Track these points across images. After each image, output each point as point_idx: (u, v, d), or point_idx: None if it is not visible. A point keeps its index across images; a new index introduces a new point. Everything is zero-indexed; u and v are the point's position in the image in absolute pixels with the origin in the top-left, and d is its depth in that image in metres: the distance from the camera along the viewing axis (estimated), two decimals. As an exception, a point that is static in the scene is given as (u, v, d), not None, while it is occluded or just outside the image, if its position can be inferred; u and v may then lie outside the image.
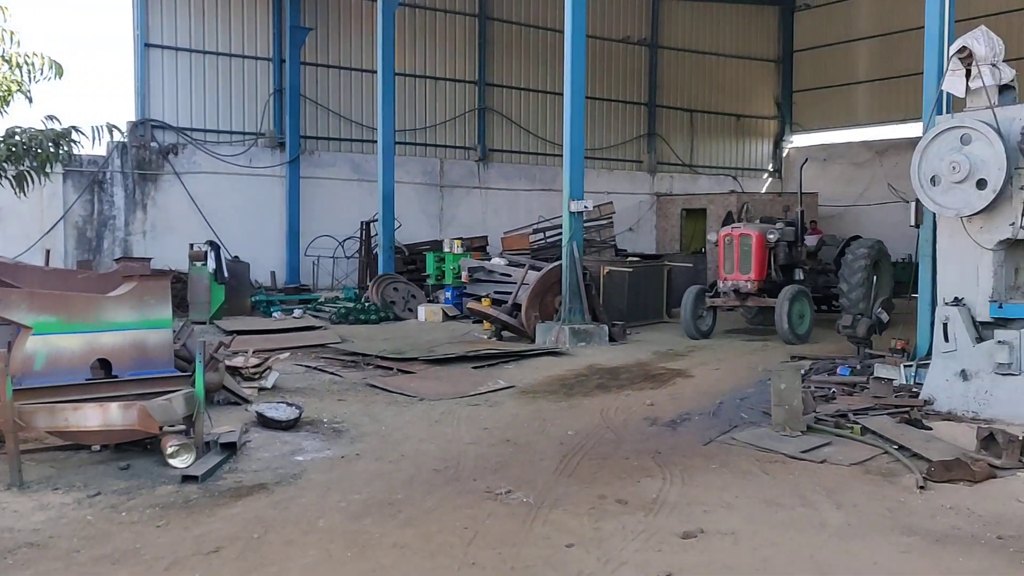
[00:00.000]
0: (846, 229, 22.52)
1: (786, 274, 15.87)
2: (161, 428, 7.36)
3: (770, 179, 31.89)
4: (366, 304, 18.40)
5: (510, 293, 16.01)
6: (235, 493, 6.67)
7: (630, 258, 20.16)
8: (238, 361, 10.79)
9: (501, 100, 26.50)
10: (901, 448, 7.76)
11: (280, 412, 8.88)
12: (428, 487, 6.95)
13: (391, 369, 12.24)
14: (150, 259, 12.27)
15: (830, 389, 10.03)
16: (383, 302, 18.55)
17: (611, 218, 23.99)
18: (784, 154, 31.91)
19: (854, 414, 8.81)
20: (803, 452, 7.79)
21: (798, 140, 31.69)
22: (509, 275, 17.02)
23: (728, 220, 18.54)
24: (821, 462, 7.56)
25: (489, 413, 9.76)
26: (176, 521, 6.01)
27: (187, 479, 6.85)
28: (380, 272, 19.85)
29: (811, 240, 16.48)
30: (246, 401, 9.61)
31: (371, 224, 21.79)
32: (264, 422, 8.69)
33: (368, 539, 5.74)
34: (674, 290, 18.19)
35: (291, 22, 22.26)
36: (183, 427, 7.67)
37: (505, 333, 15.34)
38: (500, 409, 9.97)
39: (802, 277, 16.02)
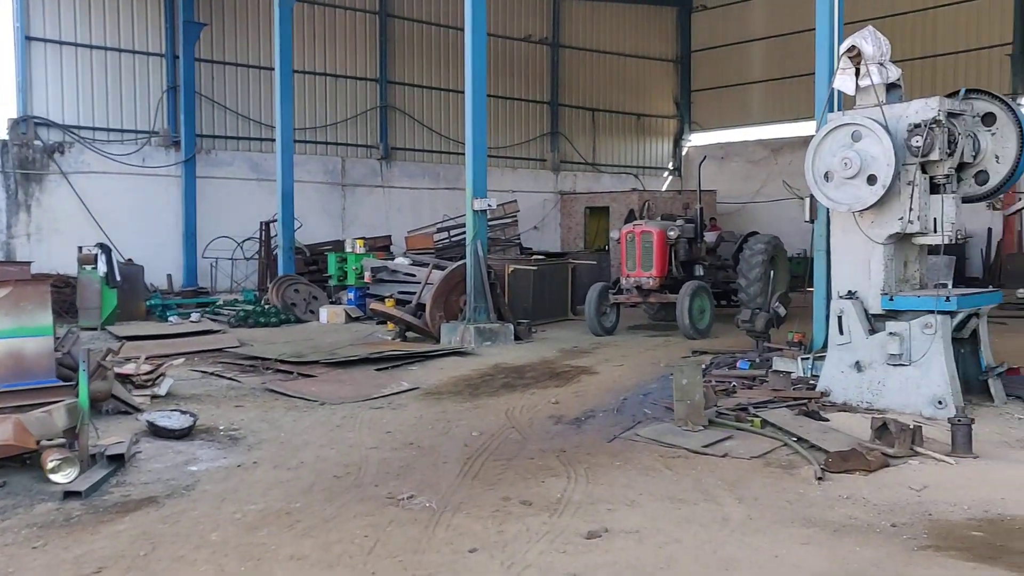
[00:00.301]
0: (744, 225, 23.04)
1: (686, 270, 16.10)
2: (39, 442, 6.94)
3: (671, 177, 32.44)
4: (266, 307, 17.97)
5: (414, 293, 15.83)
6: (122, 508, 6.34)
7: (535, 256, 20.18)
8: (129, 368, 10.34)
9: (403, 98, 26.26)
10: (800, 440, 7.88)
11: (173, 420, 8.52)
12: (328, 495, 6.74)
13: (291, 373, 11.92)
14: (30, 263, 11.67)
15: (730, 383, 10.17)
16: (284, 304, 18.13)
17: (515, 216, 24.03)
18: (684, 152, 32.51)
19: (754, 407, 8.94)
20: (705, 446, 7.85)
21: (697, 139, 32.32)
22: (413, 275, 16.83)
23: (630, 218, 18.72)
24: (723, 456, 7.63)
25: (392, 416, 9.57)
26: (55, 541, 5.66)
27: (69, 495, 6.46)
28: (280, 273, 19.40)
29: (710, 237, 16.76)
30: (137, 410, 9.20)
31: (271, 224, 21.27)
32: (156, 431, 8.32)
33: (264, 551, 5.51)
34: (579, 288, 18.28)
35: (184, 16, 21.55)
36: (66, 440, 7.26)
37: (410, 334, 15.15)
38: (404, 412, 9.78)
39: (702, 273, 16.27)
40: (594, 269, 19.71)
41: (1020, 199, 18.24)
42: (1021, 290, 19.94)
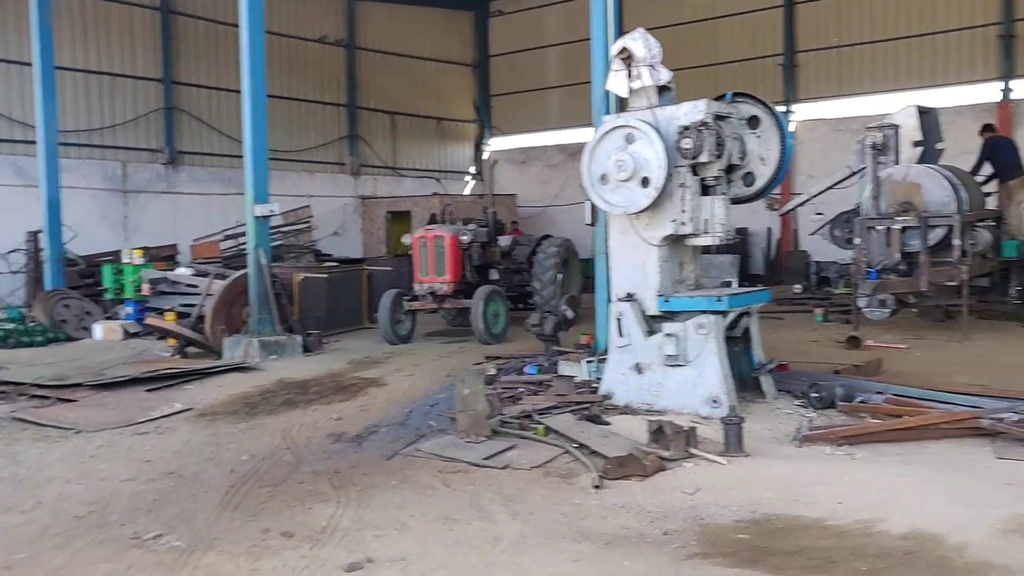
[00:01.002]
0: (545, 229, 23.17)
1: (481, 274, 15.92)
2: None
3: (472, 181, 32.42)
4: (31, 324, 16.41)
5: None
6: None
7: (328, 263, 19.49)
8: None
9: (191, 100, 24.83)
10: (581, 446, 7.76)
11: None
12: (62, 540, 5.99)
13: (48, 399, 10.81)
14: None
15: (518, 389, 9.98)
16: (52, 321, 16.61)
17: (309, 222, 23.17)
18: (484, 157, 32.55)
19: (538, 414, 8.75)
20: (486, 459, 7.59)
21: (497, 143, 32.44)
22: (196, 286, 15.78)
23: (433, 222, 18.39)
24: (503, 468, 7.39)
25: (157, 442, 8.80)
26: None
27: None
28: (48, 287, 17.80)
29: (505, 240, 16.67)
30: None
31: (39, 235, 19.47)
32: None
33: (-34, 618, 4.76)
34: (375, 295, 17.69)
35: (-74, 5, 19.41)
36: None
37: (191, 349, 14.17)
38: (170, 436, 9.02)
39: (497, 277, 16.14)
40: (392, 275, 19.19)
41: (793, 199, 19.28)
42: (798, 286, 21.13)
